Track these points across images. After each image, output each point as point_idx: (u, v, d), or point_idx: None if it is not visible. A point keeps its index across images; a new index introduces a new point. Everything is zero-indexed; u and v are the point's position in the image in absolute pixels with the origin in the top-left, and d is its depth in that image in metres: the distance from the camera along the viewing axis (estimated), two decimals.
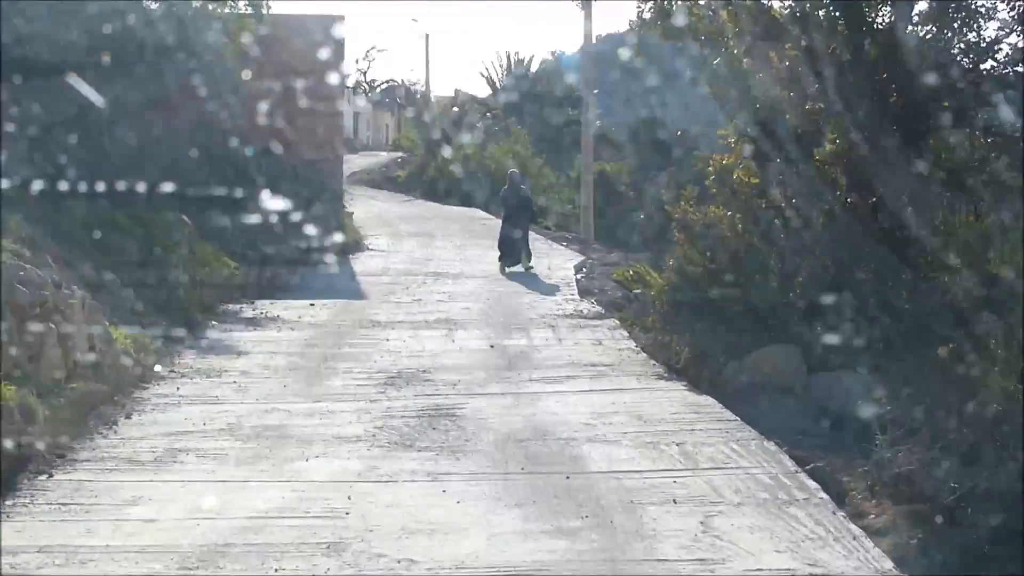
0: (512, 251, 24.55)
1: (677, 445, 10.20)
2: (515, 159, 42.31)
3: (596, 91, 65.90)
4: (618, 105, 78.71)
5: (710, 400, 12.28)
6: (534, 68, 52.79)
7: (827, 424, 11.37)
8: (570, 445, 10.23)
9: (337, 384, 13.07)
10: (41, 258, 13.58)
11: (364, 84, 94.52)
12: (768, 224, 13.64)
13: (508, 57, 52.11)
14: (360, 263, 24.99)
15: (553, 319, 17.92)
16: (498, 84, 52.30)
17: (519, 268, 24.10)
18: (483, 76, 53.02)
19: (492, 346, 15.49)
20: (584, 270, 25.36)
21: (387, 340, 15.83)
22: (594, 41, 42.34)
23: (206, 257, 19.54)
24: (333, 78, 30.05)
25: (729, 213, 13.90)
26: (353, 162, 57.67)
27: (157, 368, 13.69)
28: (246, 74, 25.95)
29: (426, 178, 43.75)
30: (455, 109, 50.36)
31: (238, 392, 12.64)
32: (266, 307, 18.56)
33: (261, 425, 11.03)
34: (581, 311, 18.87)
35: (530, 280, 22.98)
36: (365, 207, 38.64)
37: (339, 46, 29.30)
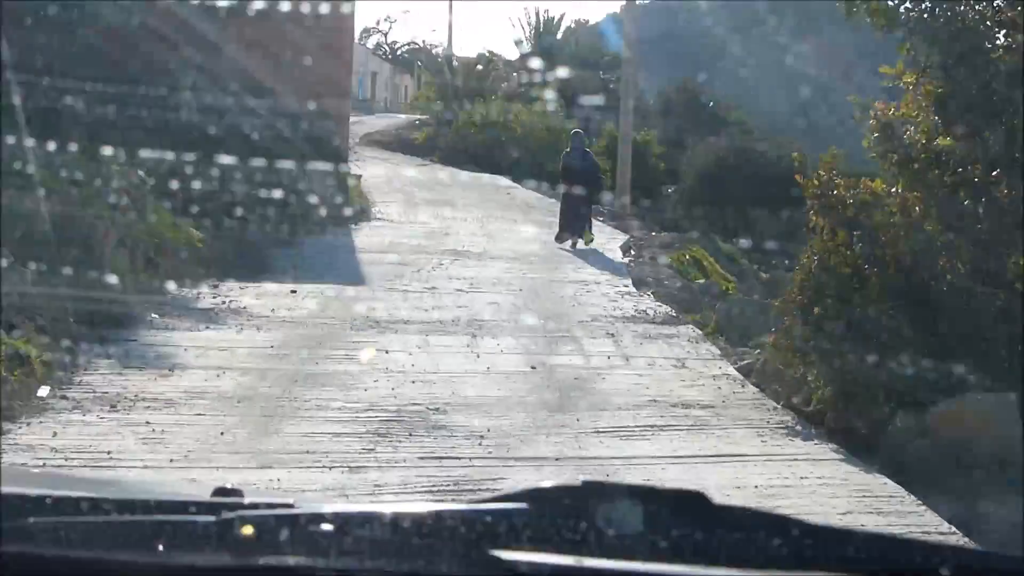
0: (575, 224, 20.47)
1: None
2: (543, 122, 37.40)
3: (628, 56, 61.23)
4: (648, 72, 73.69)
5: (889, 485, 7.48)
6: (564, 28, 47.81)
7: None
8: None
9: (302, 432, 8.26)
10: None
11: (385, 46, 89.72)
12: (961, 206, 8.81)
13: (537, 15, 47.02)
14: (364, 235, 20.16)
15: (611, 322, 13.13)
16: (526, 44, 47.41)
17: (567, 246, 19.51)
18: (511, 33, 47.95)
19: (533, 367, 10.67)
20: (631, 252, 20.56)
21: (386, 352, 11.00)
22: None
23: (160, 224, 14.73)
24: (340, 26, 25.33)
25: (898, 189, 9.07)
26: (369, 123, 52.90)
27: (42, 393, 8.95)
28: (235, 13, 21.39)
29: (446, 142, 38.86)
30: (479, 67, 45.44)
31: (145, 444, 7.86)
32: (233, 293, 13.78)
33: None
34: (645, 311, 14.03)
35: (572, 263, 18.19)
36: (376, 170, 33.78)
37: None
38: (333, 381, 9.80)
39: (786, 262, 35.72)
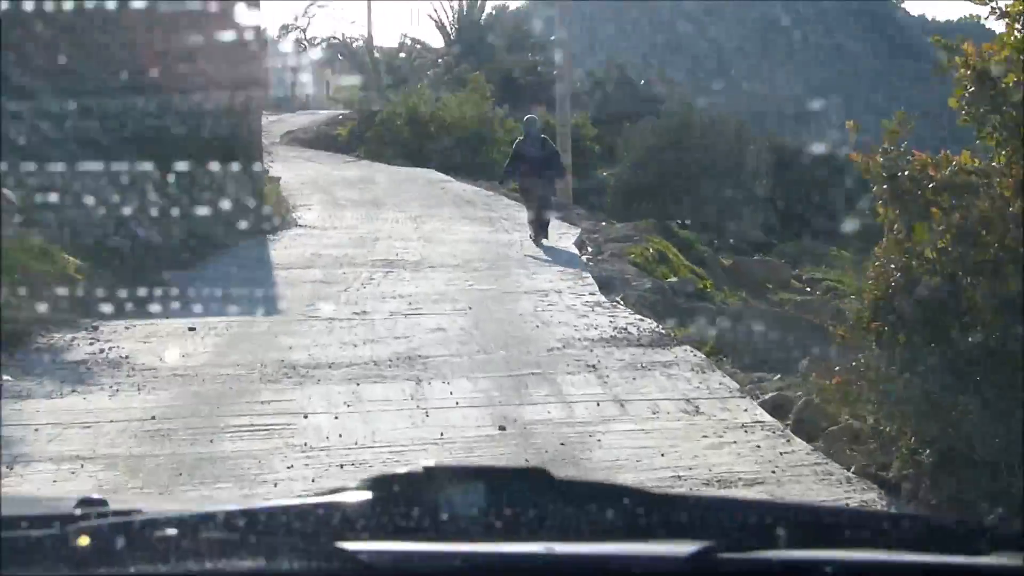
0: (538, 207, 18.20)
1: None
2: (473, 110, 34.55)
3: (553, 38, 58.49)
4: (579, 54, 71.05)
5: None
6: (487, 11, 44.87)
7: None
8: None
9: None
10: None
11: (305, 42, 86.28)
12: None
13: None
14: (283, 247, 17.25)
15: (588, 347, 10.33)
16: (449, 29, 44.41)
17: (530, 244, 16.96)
18: (432, 19, 44.91)
19: (502, 427, 7.84)
20: (588, 249, 17.86)
21: (304, 416, 8.15)
22: None
23: (23, 253, 11.76)
24: (246, 14, 22.40)
25: (1003, 163, 6.40)
26: (290, 121, 49.81)
27: None
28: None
29: (370, 135, 35.90)
30: (402, 55, 42.45)
31: None
32: (116, 336, 10.86)
33: None
34: (625, 329, 11.22)
35: (524, 268, 15.43)
36: (298, 170, 30.81)
37: None
38: (230, 471, 6.95)
39: (743, 244, 33.36)
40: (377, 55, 43.56)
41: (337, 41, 57.46)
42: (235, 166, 19.12)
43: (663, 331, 11.08)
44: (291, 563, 1.60)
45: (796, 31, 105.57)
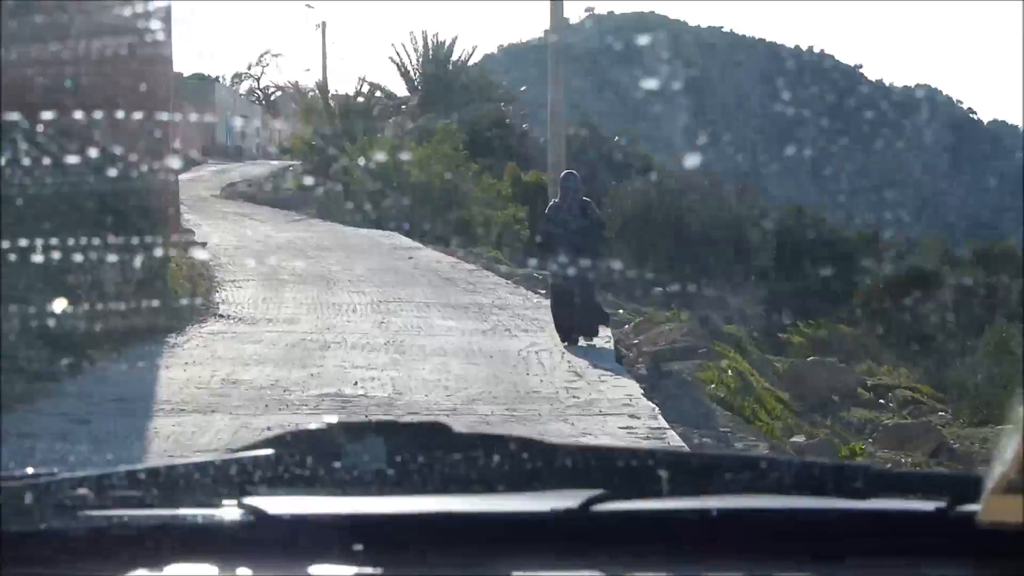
0: (579, 312, 12.61)
1: None
2: (443, 164, 28.39)
3: (524, 88, 52.47)
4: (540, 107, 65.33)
5: None
6: (456, 55, 38.77)
7: None
8: None
9: None
10: None
11: (258, 91, 79.94)
12: None
13: (425, 39, 37.95)
14: (184, 361, 10.87)
15: None
16: (413, 73, 38.37)
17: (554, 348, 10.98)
18: (394, 62, 38.73)
19: None
20: (639, 365, 11.83)
21: None
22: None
23: None
24: (154, 55, 16.45)
25: None
26: (237, 171, 43.55)
27: None
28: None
29: (323, 190, 29.65)
30: (359, 100, 36.30)
31: None
32: None
33: None
34: None
35: (566, 414, 9.22)
36: (234, 231, 24.55)
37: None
38: None
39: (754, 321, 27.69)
40: (332, 102, 37.44)
41: (291, 89, 51.16)
42: (139, 238, 12.97)
43: None
44: (193, 517, 1.60)
45: (758, 94, 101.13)
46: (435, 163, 28.45)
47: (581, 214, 12.97)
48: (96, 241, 12.08)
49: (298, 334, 12.48)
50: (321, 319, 13.76)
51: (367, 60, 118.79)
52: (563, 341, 12.41)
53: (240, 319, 13.63)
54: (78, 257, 11.32)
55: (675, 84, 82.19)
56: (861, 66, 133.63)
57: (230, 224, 25.78)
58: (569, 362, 11.24)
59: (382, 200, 27.71)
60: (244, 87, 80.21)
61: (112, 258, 12.02)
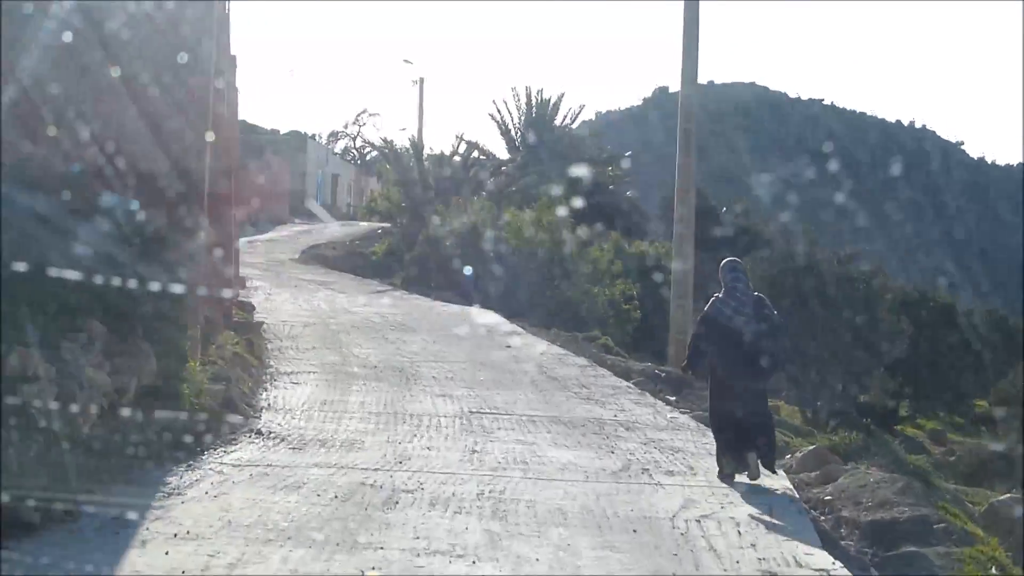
0: (754, 437, 9.31)
1: None
2: (549, 231, 24.56)
3: (629, 153, 48.52)
4: (651, 172, 61.49)
5: None
6: (562, 114, 35.00)
7: None
8: None
9: None
10: None
11: (354, 150, 77.13)
12: None
13: (528, 95, 34.29)
14: (178, 524, 7.07)
15: None
16: (514, 132, 34.74)
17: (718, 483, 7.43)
18: (494, 119, 35.13)
19: None
20: (852, 542, 7.82)
21: None
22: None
23: None
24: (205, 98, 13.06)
25: None
26: (320, 232, 40.28)
27: None
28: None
29: (411, 257, 25.98)
30: (456, 159, 32.73)
31: None
32: None
33: None
34: None
35: None
36: (305, 302, 20.95)
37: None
38: None
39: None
40: (426, 162, 34.01)
41: (386, 149, 48.01)
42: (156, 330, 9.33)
43: None
44: None
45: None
46: (539, 231, 24.64)
47: (755, 315, 9.19)
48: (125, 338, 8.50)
49: (357, 472, 8.63)
50: (392, 442, 9.93)
51: (465, 118, 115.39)
52: (724, 476, 8.77)
53: (283, 439, 9.84)
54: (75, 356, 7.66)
55: (772, 153, 77.88)
56: (963, 142, 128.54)
57: (302, 294, 22.18)
58: (754, 543, 7.25)
59: (475, 270, 23.97)
60: (340, 146, 77.58)
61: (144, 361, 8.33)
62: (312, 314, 19.28)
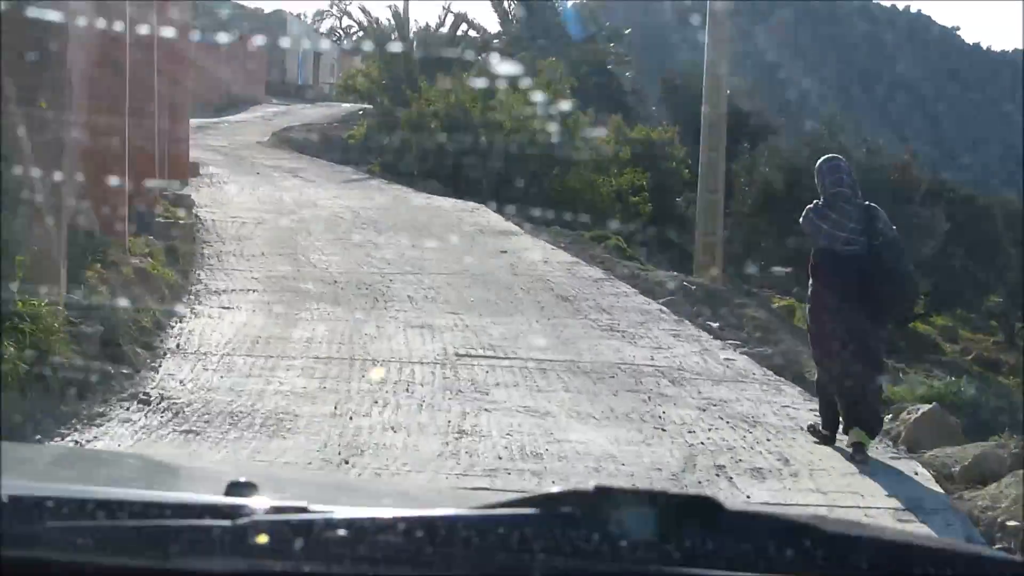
0: (849, 392, 6.17)
1: None
2: (545, 116, 20.89)
3: (628, 30, 44.45)
4: (649, 50, 57.27)
5: None
6: None
7: None
8: None
9: None
10: None
11: (340, 30, 72.65)
12: None
13: None
14: None
15: None
16: (508, 6, 30.92)
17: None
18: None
19: None
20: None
21: None
22: None
23: None
24: None
25: None
26: (297, 114, 36.59)
27: None
28: None
29: (390, 141, 22.33)
30: (443, 31, 28.87)
31: None
32: None
33: None
34: None
35: None
36: (266, 194, 17.43)
37: None
38: None
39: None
40: (412, 37, 30.20)
41: (373, 27, 43.81)
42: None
43: None
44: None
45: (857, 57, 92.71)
46: (532, 113, 20.98)
47: (864, 226, 5.94)
48: None
49: (332, 441, 5.28)
50: (340, 415, 6.55)
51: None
52: (813, 431, 6.71)
53: (176, 412, 6.44)
54: None
55: (772, 50, 73.80)
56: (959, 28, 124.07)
57: (265, 184, 18.64)
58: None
59: (464, 158, 20.42)
60: (326, 25, 73.00)
61: None
62: (271, 208, 15.80)
